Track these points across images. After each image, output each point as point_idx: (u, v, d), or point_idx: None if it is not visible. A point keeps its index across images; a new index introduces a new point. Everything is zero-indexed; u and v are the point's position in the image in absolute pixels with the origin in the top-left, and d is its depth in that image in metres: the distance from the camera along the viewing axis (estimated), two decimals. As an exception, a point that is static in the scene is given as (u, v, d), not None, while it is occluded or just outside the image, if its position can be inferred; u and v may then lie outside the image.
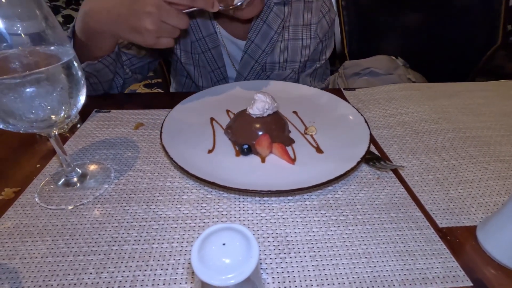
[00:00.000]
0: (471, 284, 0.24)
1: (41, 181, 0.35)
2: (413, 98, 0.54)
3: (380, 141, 0.43)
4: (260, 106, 0.39)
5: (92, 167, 0.37)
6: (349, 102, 0.49)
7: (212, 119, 0.46)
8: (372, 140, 0.42)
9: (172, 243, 0.28)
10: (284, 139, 0.40)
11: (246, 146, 0.38)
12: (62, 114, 0.27)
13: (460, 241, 0.28)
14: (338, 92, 0.56)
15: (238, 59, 0.62)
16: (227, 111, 0.48)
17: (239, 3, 0.43)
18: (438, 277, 0.24)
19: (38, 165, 0.38)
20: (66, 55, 0.27)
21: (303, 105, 0.50)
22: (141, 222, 0.30)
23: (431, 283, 0.24)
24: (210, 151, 0.39)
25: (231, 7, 0.43)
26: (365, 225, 0.29)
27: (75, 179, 0.34)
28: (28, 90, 0.24)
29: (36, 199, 0.32)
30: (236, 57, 0.63)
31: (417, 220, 0.30)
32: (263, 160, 0.37)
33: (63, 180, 0.34)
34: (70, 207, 0.31)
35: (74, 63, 0.27)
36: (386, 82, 0.76)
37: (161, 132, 0.39)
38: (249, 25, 0.58)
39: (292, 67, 0.63)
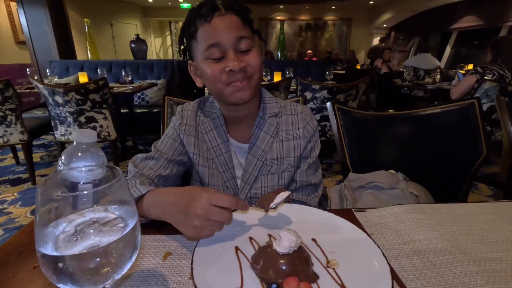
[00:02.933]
0: None
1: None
2: (422, 223, 0.58)
3: (400, 274, 0.45)
4: (286, 244, 0.42)
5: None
6: (364, 229, 0.52)
7: (237, 248, 0.49)
8: (394, 274, 0.44)
9: None
10: (309, 275, 0.42)
11: (275, 286, 0.39)
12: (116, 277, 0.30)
13: None
14: (349, 214, 0.60)
15: (244, 159, 0.74)
16: (250, 238, 0.51)
17: (273, 207, 0.53)
18: None
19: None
20: (131, 218, 0.31)
21: (320, 231, 0.53)
22: None
23: None
24: (239, 289, 0.40)
25: (266, 209, 0.53)
26: None
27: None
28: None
29: None
30: (241, 158, 0.76)
31: None
32: (291, 301, 0.38)
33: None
34: None
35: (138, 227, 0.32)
36: (391, 197, 0.81)
37: (192, 268, 0.41)
38: (250, 132, 0.73)
39: (288, 162, 0.74)
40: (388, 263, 0.43)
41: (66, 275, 0.27)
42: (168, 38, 11.13)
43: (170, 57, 10.97)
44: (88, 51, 5.07)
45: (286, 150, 0.74)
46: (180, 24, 10.78)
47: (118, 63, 3.90)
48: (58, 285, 0.28)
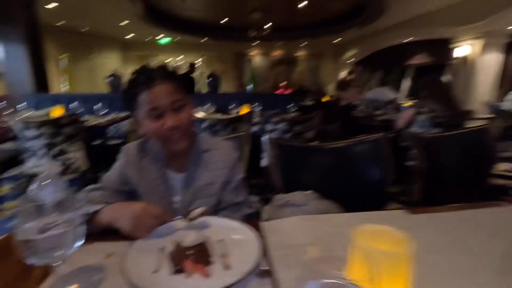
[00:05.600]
0: None
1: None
2: (308, 230, 0.79)
3: (276, 260, 0.65)
4: (189, 239, 0.62)
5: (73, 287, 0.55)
6: (260, 233, 0.73)
7: (160, 249, 0.67)
8: (268, 256, 0.64)
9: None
10: (206, 261, 0.61)
11: (178, 267, 0.58)
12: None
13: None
14: (257, 225, 0.81)
15: (180, 187, 0.93)
16: (173, 241, 0.70)
17: (192, 217, 0.74)
18: None
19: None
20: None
21: (227, 234, 0.73)
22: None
23: None
24: (155, 272, 0.59)
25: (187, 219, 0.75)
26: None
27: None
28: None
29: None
30: (178, 186, 0.94)
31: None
32: (189, 276, 0.57)
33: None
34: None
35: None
36: (303, 212, 1.03)
37: (123, 257, 0.60)
38: (185, 164, 0.93)
39: (216, 187, 0.94)
40: (262, 248, 0.63)
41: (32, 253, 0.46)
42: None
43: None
44: (65, 84, 5.21)
45: (213, 178, 0.94)
46: (159, 58, 11.20)
47: (94, 96, 4.07)
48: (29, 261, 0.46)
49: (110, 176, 0.95)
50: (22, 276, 0.58)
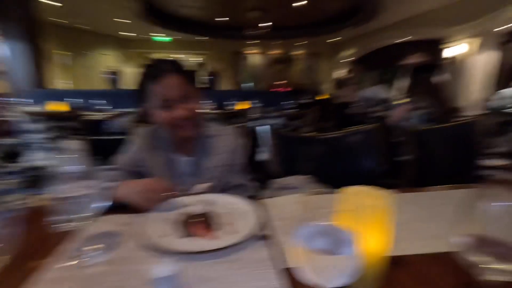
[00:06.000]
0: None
1: (57, 256, 0.59)
2: (305, 205, 0.87)
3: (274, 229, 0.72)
4: (199, 208, 0.69)
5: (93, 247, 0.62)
6: (263, 207, 0.80)
7: (171, 218, 0.75)
8: (265, 226, 0.72)
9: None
10: (212, 226, 0.69)
11: (188, 232, 0.66)
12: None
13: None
14: (259, 201, 0.88)
15: (189, 169, 1.00)
16: (181, 213, 0.77)
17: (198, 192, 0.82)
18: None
19: (54, 247, 0.62)
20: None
21: (231, 208, 0.80)
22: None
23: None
24: (166, 236, 0.66)
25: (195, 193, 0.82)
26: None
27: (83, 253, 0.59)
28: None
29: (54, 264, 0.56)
30: (187, 168, 1.01)
31: (278, 267, 0.57)
32: (198, 239, 0.65)
33: (74, 253, 0.59)
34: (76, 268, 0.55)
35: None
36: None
37: (138, 226, 0.67)
38: (193, 149, 1.00)
39: (222, 169, 1.00)
40: (264, 215, 0.70)
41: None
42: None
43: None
44: (66, 81, 5.24)
45: (219, 161, 1.02)
46: (157, 55, 11.23)
47: (95, 92, 4.12)
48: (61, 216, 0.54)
49: (124, 158, 1.02)
50: (45, 239, 0.65)
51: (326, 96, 7.59)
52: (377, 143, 1.47)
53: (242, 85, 8.11)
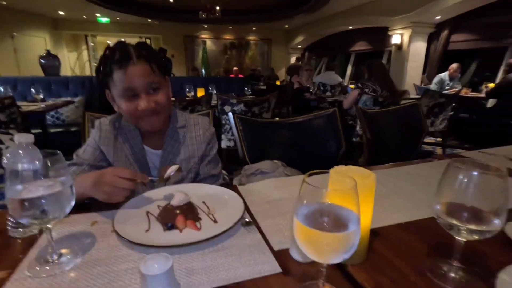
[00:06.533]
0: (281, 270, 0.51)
1: (26, 263, 0.52)
2: (280, 188, 0.89)
3: (258, 217, 0.72)
4: (178, 199, 0.66)
5: (64, 250, 0.56)
6: (239, 194, 0.79)
7: (147, 212, 0.70)
8: (248, 211, 0.71)
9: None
10: (194, 217, 0.66)
11: (169, 225, 0.62)
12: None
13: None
14: (235, 188, 0.87)
15: (158, 162, 0.95)
16: (157, 206, 0.73)
17: (167, 176, 0.76)
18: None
19: (20, 255, 0.54)
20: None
21: (208, 196, 0.78)
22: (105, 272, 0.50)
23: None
24: (147, 230, 0.62)
25: (162, 180, 0.76)
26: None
27: (54, 257, 0.53)
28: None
29: (26, 272, 0.49)
30: (156, 161, 0.96)
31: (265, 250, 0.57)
32: (180, 231, 0.62)
33: (45, 259, 0.52)
34: (53, 274, 0.49)
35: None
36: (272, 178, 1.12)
37: (113, 223, 0.61)
38: (162, 141, 0.93)
39: (193, 160, 0.97)
40: (246, 208, 0.70)
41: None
42: (85, 52, 10.31)
43: (87, 72, 10.13)
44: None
45: (191, 152, 0.97)
46: (98, 38, 10.19)
47: (25, 80, 3.61)
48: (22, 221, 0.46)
49: (85, 151, 0.90)
50: (6, 247, 0.57)
51: (281, 82, 7.73)
52: (337, 126, 1.55)
53: (192, 71, 7.81)
